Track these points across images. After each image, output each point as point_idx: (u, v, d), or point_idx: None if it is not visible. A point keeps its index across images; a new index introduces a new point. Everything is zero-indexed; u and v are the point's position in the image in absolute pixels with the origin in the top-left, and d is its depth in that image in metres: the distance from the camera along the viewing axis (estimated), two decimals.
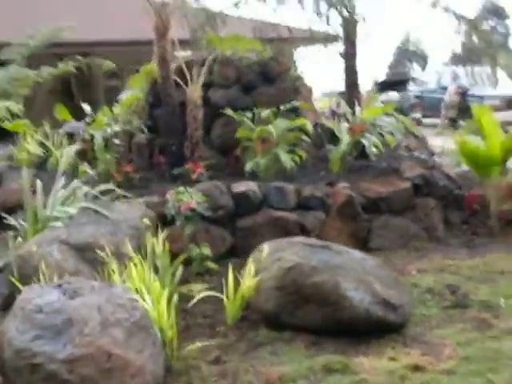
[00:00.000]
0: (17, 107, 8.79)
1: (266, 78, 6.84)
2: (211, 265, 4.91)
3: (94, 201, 4.87)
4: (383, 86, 16.36)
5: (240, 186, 5.35)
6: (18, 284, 3.90)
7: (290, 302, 3.87)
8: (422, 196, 6.00)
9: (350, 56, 6.67)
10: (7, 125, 7.92)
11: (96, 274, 4.18)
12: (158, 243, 4.45)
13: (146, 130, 6.36)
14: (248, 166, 5.77)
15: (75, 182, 5.04)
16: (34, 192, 5.77)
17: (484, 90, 16.68)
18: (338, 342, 3.76)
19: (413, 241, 5.68)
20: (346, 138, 5.94)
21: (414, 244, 5.65)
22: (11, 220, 5.03)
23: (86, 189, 4.90)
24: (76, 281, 3.43)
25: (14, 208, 5.84)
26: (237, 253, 5.27)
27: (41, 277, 3.96)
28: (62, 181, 5.17)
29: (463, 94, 17.04)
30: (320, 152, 6.72)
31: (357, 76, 6.70)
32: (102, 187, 5.25)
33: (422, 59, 47.75)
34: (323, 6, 6.56)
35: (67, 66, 9.78)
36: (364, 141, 6.10)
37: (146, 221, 4.67)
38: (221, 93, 6.57)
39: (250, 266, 3.99)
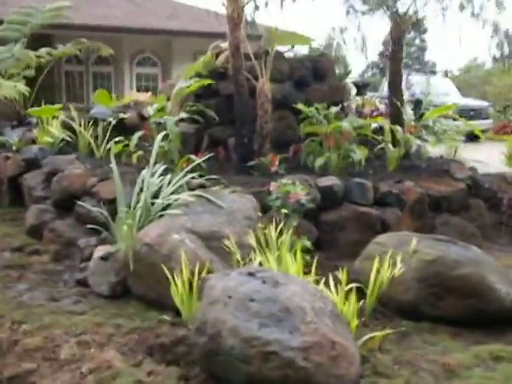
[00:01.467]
0: (24, 88, 8.38)
1: (316, 75, 6.94)
2: (306, 257, 4.95)
3: (203, 190, 4.77)
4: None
5: (325, 181, 5.42)
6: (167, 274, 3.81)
7: (431, 293, 4.02)
8: (472, 197, 6.34)
9: (396, 59, 6.86)
10: (36, 110, 7.51)
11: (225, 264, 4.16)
12: (273, 234, 4.45)
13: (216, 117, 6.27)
14: (319, 161, 5.85)
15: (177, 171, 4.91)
16: (103, 179, 5.60)
17: (439, 99, 17.57)
18: (476, 332, 3.95)
19: (471, 239, 5.96)
20: (409, 139, 6.15)
21: (473, 242, 5.94)
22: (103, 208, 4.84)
23: (195, 178, 4.79)
24: (261, 269, 3.40)
25: (77, 194, 5.63)
26: (321, 246, 5.35)
27: (183, 265, 3.88)
28: (154, 169, 5.03)
29: (417, 101, 17.83)
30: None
31: (401, 79, 6.93)
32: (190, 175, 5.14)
33: (343, 66, 49.61)
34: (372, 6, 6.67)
35: (70, 48, 9.39)
36: (420, 142, 6.35)
37: (258, 211, 4.65)
38: (276, 87, 6.58)
39: (389, 259, 4.08)
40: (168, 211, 4.45)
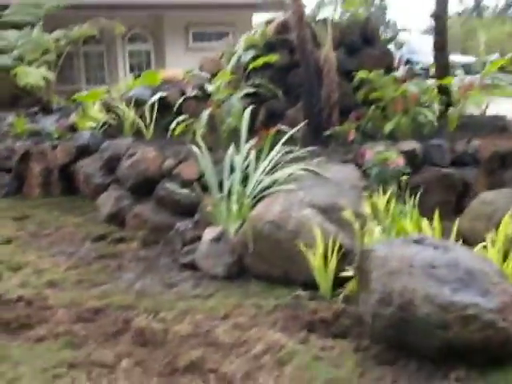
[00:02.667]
0: (50, 74, 8.14)
1: (364, 40, 6.89)
2: None
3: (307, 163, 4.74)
4: None
5: (405, 145, 5.43)
6: (302, 250, 3.79)
7: None
8: None
9: (441, 18, 6.84)
10: (82, 96, 7.29)
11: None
12: (382, 202, 4.47)
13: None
14: (389, 126, 5.85)
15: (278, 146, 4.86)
16: (181, 161, 5.50)
17: (427, 57, 17.63)
18: None
19: None
20: (469, 97, 6.20)
21: None
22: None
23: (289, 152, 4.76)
24: (423, 237, 3.41)
25: (155, 177, 5.54)
26: None
27: (318, 240, 3.87)
28: (248, 146, 4.96)
29: (407, 62, 17.92)
30: None
31: (446, 39, 6.93)
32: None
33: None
34: None
35: (87, 29, 9.10)
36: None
37: (362, 180, 4.64)
38: None
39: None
40: (281, 187, 4.40)
